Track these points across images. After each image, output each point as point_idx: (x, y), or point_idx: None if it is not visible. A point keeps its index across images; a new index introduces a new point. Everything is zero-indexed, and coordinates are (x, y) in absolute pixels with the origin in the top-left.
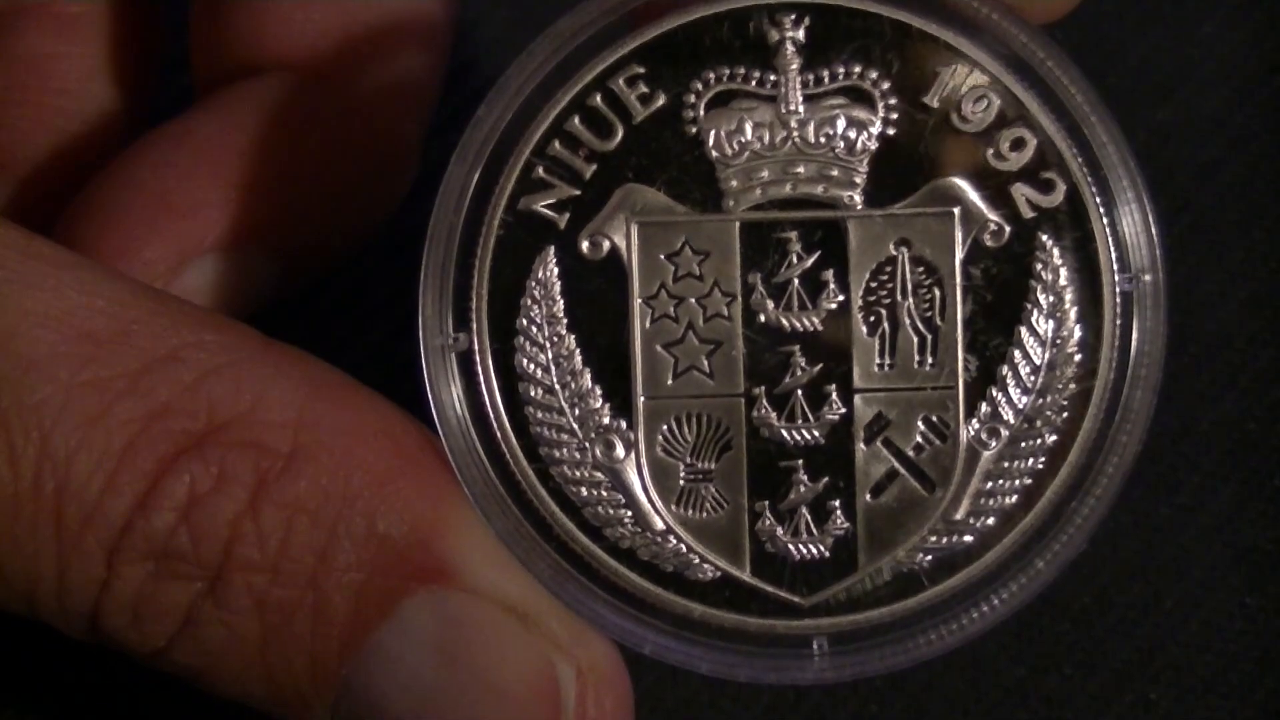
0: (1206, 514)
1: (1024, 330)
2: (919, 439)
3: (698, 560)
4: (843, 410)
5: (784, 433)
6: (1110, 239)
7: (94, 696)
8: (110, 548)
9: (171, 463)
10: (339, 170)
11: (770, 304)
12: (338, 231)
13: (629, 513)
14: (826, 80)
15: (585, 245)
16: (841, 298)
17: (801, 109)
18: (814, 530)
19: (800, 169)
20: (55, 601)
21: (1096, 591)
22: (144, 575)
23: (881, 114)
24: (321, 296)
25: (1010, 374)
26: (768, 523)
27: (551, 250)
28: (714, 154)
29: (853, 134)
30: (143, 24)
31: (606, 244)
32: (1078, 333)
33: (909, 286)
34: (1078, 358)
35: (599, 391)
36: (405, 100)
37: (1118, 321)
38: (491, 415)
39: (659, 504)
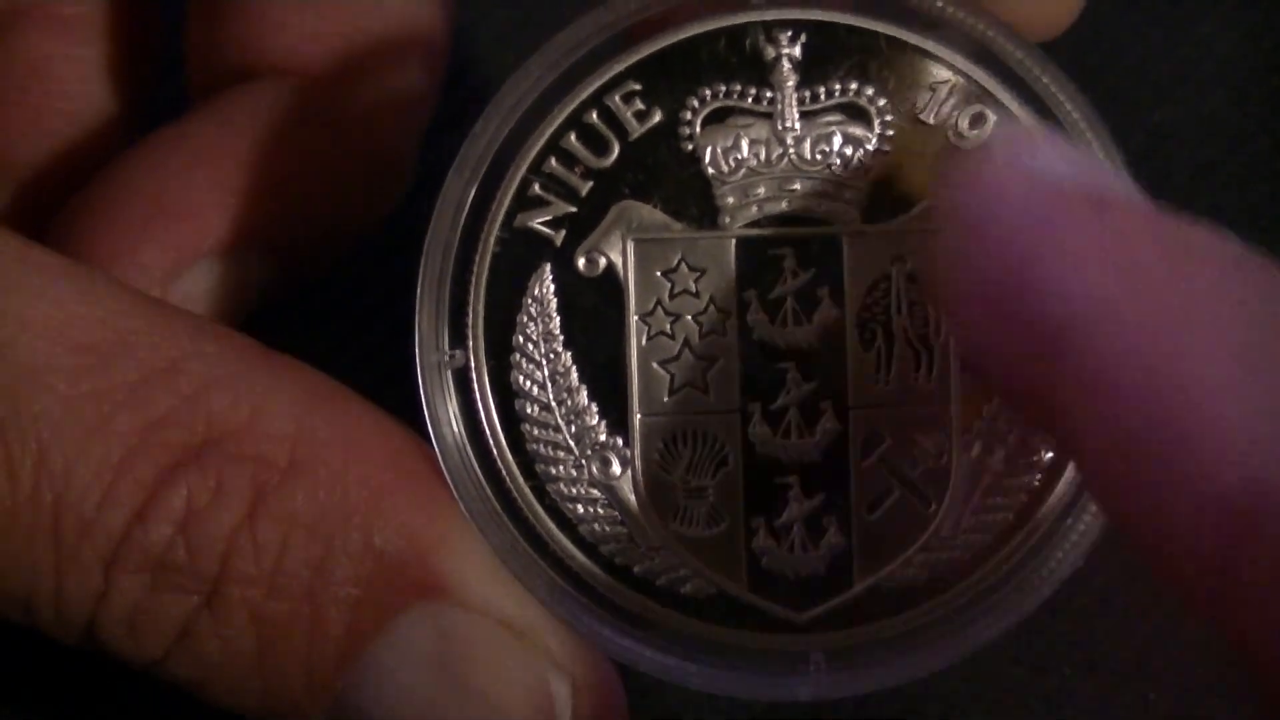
0: None
1: None
2: (914, 455)
3: (694, 576)
4: (838, 427)
5: (780, 449)
6: None
7: (93, 699)
8: (108, 560)
9: (169, 475)
10: (334, 174)
11: (766, 320)
12: (333, 235)
13: (625, 529)
14: (823, 97)
15: (581, 262)
16: (837, 314)
17: (798, 126)
18: (810, 546)
19: (796, 186)
20: (52, 612)
21: (1096, 592)
22: (141, 587)
23: (878, 131)
24: (318, 304)
25: None
26: (764, 539)
27: (548, 267)
28: (710, 171)
29: (849, 151)
30: (141, 27)
31: (603, 261)
32: None
33: (904, 303)
34: None
35: (595, 408)
36: (401, 105)
37: None
38: (488, 432)
39: (655, 520)
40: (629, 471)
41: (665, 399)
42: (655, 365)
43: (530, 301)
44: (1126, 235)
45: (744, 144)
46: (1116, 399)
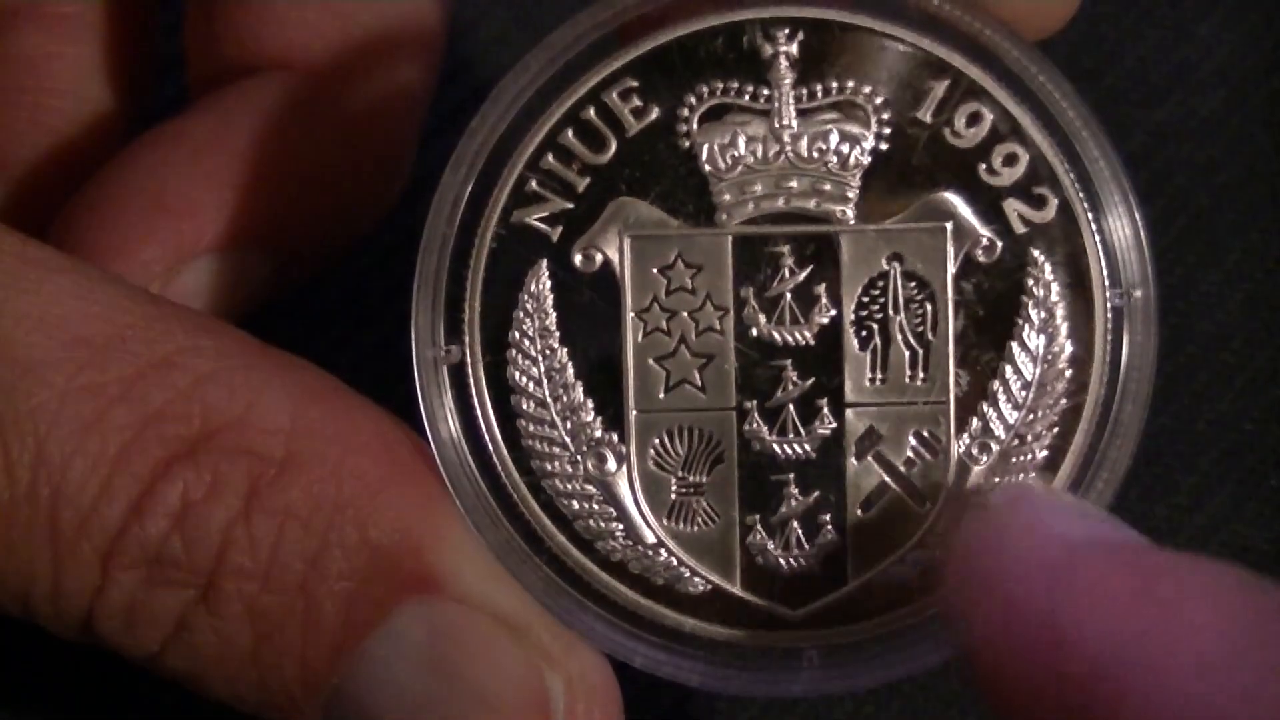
0: (1203, 514)
1: (1015, 346)
2: (910, 454)
3: (689, 573)
4: (834, 424)
5: (775, 447)
6: (1101, 254)
7: (92, 696)
8: (104, 553)
9: (165, 469)
10: (334, 171)
11: (762, 318)
12: (332, 232)
13: (620, 526)
14: (820, 95)
15: (578, 258)
16: (833, 312)
17: (795, 123)
18: (804, 544)
19: (793, 183)
20: (50, 606)
21: None
22: (137, 581)
23: (874, 129)
24: (316, 300)
25: (1001, 389)
26: (759, 536)
27: (544, 263)
28: (707, 168)
29: (845, 148)
30: (139, 24)
31: (599, 257)
32: (1069, 348)
33: (901, 301)
34: (1068, 373)
35: (591, 405)
36: (400, 101)
37: (1109, 337)
38: (483, 427)
39: (650, 517)
40: (624, 468)
41: (661, 396)
42: (651, 362)
43: (526, 298)
44: (1143, 578)
45: (741, 141)
46: None
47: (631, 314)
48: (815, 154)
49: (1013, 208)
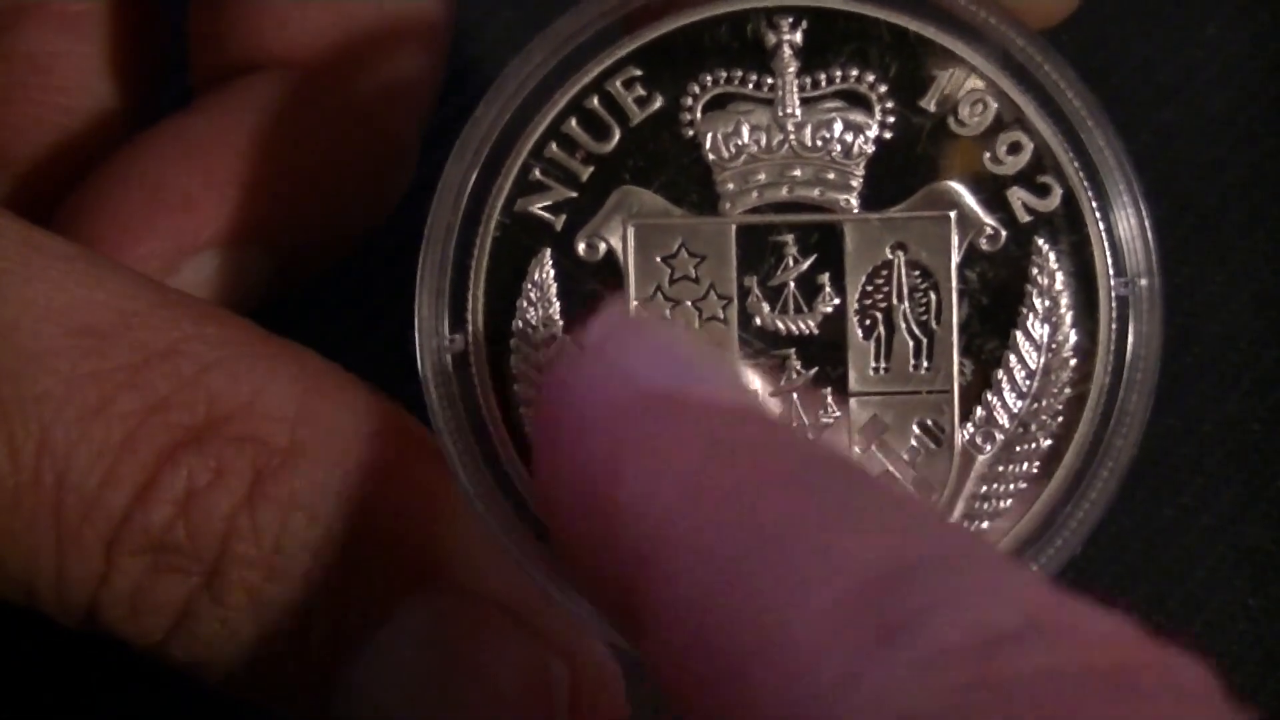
0: (1209, 515)
1: (1019, 335)
2: (914, 443)
3: None
4: (837, 414)
5: None
6: (1106, 243)
7: (92, 690)
8: (108, 541)
9: (170, 456)
10: (336, 168)
11: (766, 307)
12: (335, 230)
13: None
14: (824, 83)
15: (582, 247)
16: (837, 301)
17: (798, 112)
18: None
19: (797, 172)
20: (54, 594)
21: (1099, 593)
22: (141, 569)
23: (878, 117)
24: (322, 296)
25: (1005, 378)
26: None
27: (548, 252)
28: (711, 157)
29: (849, 137)
30: (144, 22)
31: (603, 246)
32: (1073, 337)
33: (905, 290)
34: (1073, 362)
35: None
36: (403, 99)
37: (1113, 326)
38: (487, 416)
39: None
40: None
41: None
42: None
43: (530, 286)
44: (687, 443)
45: (745, 130)
46: (690, 632)
47: (635, 303)
48: (819, 143)
49: (1017, 196)
